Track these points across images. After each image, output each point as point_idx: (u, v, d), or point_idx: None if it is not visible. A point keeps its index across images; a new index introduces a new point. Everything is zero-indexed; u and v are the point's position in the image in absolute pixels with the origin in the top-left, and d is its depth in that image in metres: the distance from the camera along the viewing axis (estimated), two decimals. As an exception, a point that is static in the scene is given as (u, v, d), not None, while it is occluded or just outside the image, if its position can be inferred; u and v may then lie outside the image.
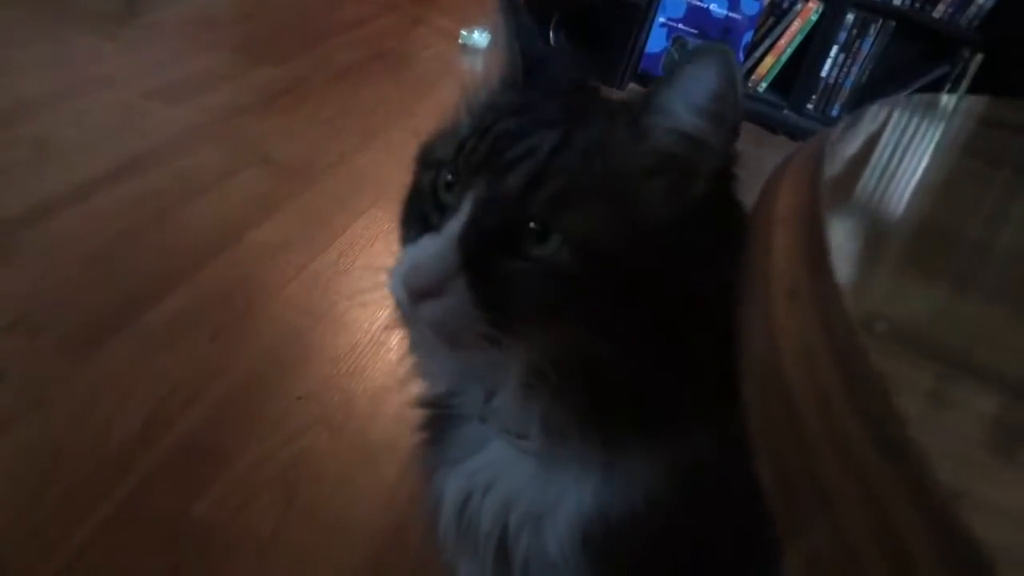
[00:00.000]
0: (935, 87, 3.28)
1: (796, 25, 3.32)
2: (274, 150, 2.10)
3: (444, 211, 0.59)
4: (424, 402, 0.74)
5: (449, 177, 0.61)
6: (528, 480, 0.65)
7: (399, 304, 0.59)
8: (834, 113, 3.43)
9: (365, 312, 1.61)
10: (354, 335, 1.55)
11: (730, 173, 0.60)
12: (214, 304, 1.53)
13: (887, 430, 0.20)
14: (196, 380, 1.35)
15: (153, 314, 1.46)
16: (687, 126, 0.56)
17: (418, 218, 0.62)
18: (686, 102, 0.55)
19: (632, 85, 3.37)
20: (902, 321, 0.26)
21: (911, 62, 3.39)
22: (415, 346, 0.68)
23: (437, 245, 0.56)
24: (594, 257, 0.54)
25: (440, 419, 0.73)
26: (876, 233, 0.32)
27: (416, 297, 0.56)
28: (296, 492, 1.22)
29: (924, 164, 0.42)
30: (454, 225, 0.56)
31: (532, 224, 0.55)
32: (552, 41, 3.16)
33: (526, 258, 0.55)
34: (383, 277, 0.62)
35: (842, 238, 0.29)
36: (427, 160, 0.65)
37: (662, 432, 0.60)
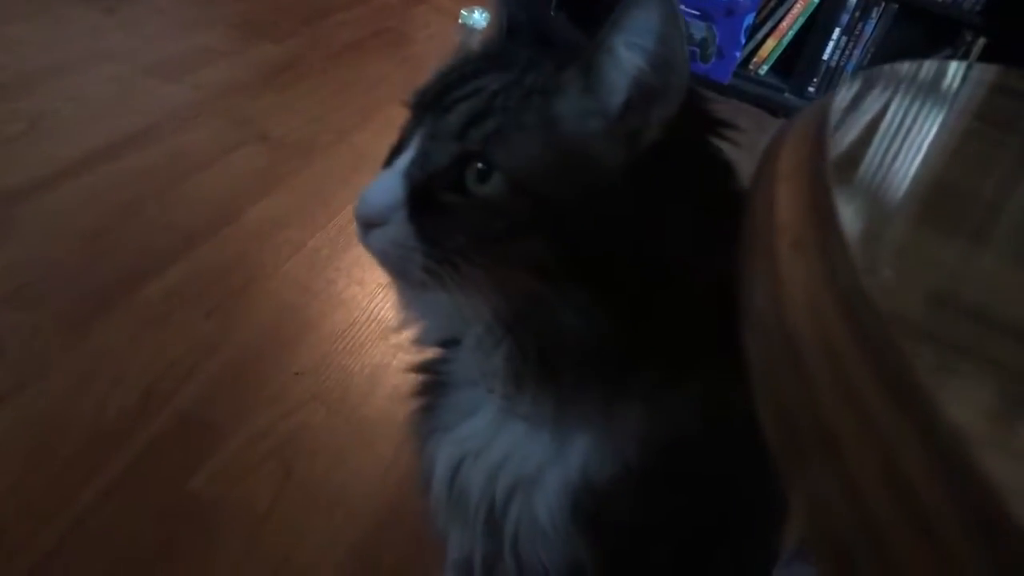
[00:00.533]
0: (937, 71, 3.26)
1: (798, 7, 3.30)
2: (273, 127, 2.08)
3: (402, 148, 0.62)
4: (419, 367, 0.73)
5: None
6: (515, 446, 0.65)
7: (357, 233, 0.61)
8: (836, 96, 3.41)
9: (363, 290, 1.60)
10: (352, 312, 1.55)
11: (698, 124, 0.60)
12: (212, 280, 1.52)
13: (895, 374, 0.20)
14: (193, 355, 1.35)
15: (151, 289, 1.45)
16: (631, 69, 0.56)
17: (388, 158, 0.65)
18: (630, 44, 0.56)
19: (633, 66, 3.36)
20: (907, 269, 0.25)
21: (913, 45, 3.37)
22: (398, 293, 0.70)
23: (385, 178, 0.59)
24: (531, 196, 0.56)
25: (434, 385, 0.73)
26: (881, 189, 0.31)
27: (365, 226, 0.59)
28: (292, 468, 1.22)
29: (931, 127, 0.42)
30: (402, 160, 0.59)
31: (478, 164, 0.57)
32: (553, 21, 3.13)
33: (466, 194, 0.57)
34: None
35: (847, 193, 0.28)
36: (408, 105, 0.66)
37: (634, 395, 0.60)
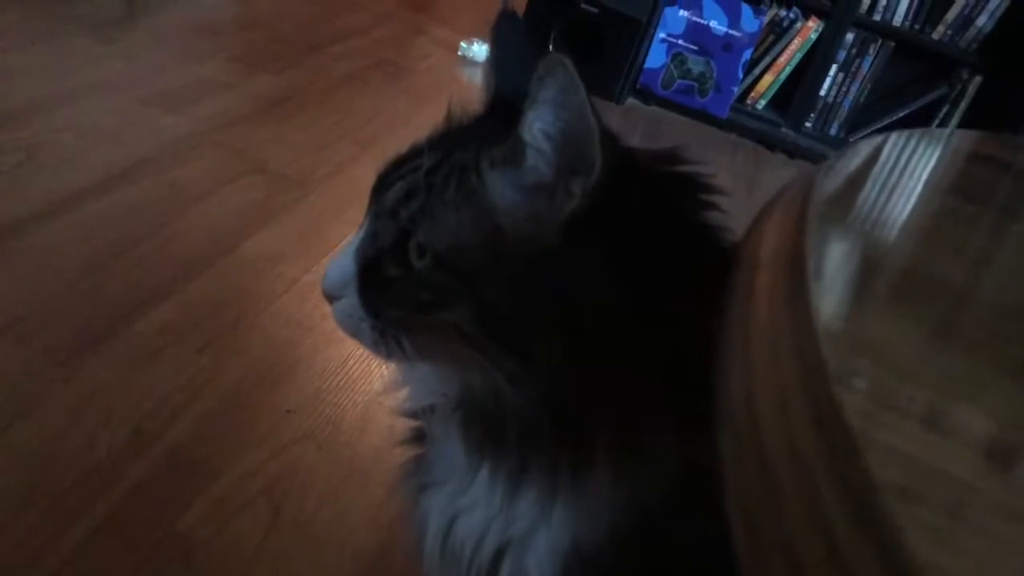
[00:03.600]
0: (933, 108, 3.29)
1: (796, 43, 3.33)
2: (271, 159, 2.09)
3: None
4: (406, 413, 0.73)
5: None
6: (504, 505, 0.65)
7: None
8: (832, 132, 3.44)
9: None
10: (346, 348, 1.54)
11: (646, 187, 0.60)
12: (205, 315, 1.52)
13: (859, 494, 0.20)
14: (184, 392, 1.34)
15: (143, 324, 1.45)
16: (542, 143, 0.57)
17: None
18: (538, 119, 0.57)
19: (631, 100, 3.38)
20: (881, 376, 0.25)
21: (910, 82, 3.40)
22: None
23: (342, 255, 0.64)
24: (451, 270, 0.59)
25: (424, 435, 0.72)
26: (860, 278, 0.31)
27: (328, 299, 0.65)
28: (282, 507, 1.21)
29: (912, 205, 0.42)
30: (355, 239, 0.64)
31: (417, 240, 0.60)
32: (552, 54, 3.15)
33: (407, 268, 0.61)
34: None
35: (825, 282, 0.28)
36: None
37: (599, 463, 0.60)
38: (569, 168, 0.57)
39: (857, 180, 0.37)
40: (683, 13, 3.29)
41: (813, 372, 0.23)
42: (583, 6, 3.10)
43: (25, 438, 1.18)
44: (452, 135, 0.68)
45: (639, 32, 3.15)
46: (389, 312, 0.62)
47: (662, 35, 3.32)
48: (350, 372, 1.50)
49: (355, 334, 0.64)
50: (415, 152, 0.65)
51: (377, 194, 0.65)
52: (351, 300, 0.63)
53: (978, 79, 3.24)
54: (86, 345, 1.37)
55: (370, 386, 1.47)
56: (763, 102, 3.44)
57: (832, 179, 0.37)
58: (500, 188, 0.60)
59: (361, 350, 1.55)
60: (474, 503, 0.66)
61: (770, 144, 3.34)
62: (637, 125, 3.23)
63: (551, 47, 3.14)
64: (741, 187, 2.83)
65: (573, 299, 0.56)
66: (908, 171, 0.45)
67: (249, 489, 1.22)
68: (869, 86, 3.38)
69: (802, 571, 0.20)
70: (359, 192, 2.03)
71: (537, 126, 0.57)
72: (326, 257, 1.77)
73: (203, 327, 1.49)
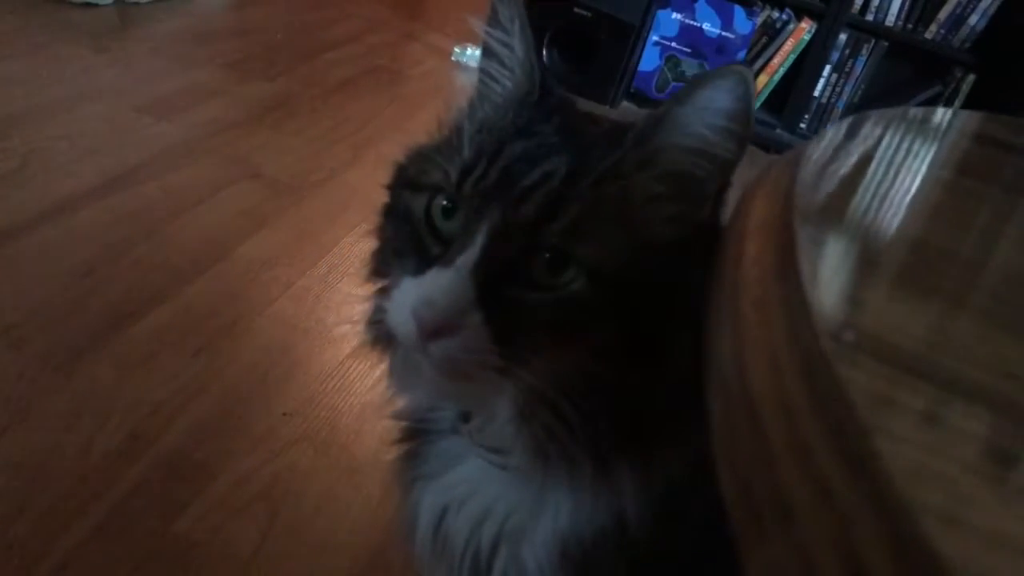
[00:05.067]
0: (928, 107, 3.29)
1: (789, 45, 3.33)
2: (264, 165, 2.09)
3: (444, 240, 0.57)
4: (402, 415, 0.73)
5: (445, 203, 0.58)
6: (503, 497, 0.64)
7: (404, 340, 0.57)
8: (826, 132, 3.44)
9: (353, 328, 1.60)
10: (341, 351, 1.54)
11: (722, 197, 0.59)
12: (200, 319, 1.52)
13: (849, 440, 0.19)
14: (180, 396, 1.34)
15: (138, 329, 1.45)
16: (702, 146, 0.55)
17: (412, 247, 0.59)
18: (702, 122, 0.54)
19: (625, 103, 3.38)
20: (870, 330, 0.25)
21: (904, 82, 3.41)
22: (398, 373, 0.67)
23: (450, 279, 0.53)
24: (609, 285, 0.53)
25: (417, 432, 0.72)
26: (848, 244, 0.31)
27: (429, 335, 0.54)
28: (279, 510, 1.21)
29: (909, 180, 0.42)
30: (467, 257, 0.54)
31: (547, 254, 0.54)
32: (545, 58, 3.17)
33: (542, 288, 0.54)
34: (361, 308, 0.62)
35: (813, 249, 0.28)
36: (414, 183, 0.62)
37: (637, 455, 0.59)
38: (714, 171, 0.56)
39: (842, 152, 0.37)
40: (676, 16, 3.29)
41: (802, 327, 0.23)
42: (576, 9, 3.11)
43: (20, 443, 1.18)
44: (533, 129, 0.60)
45: (632, 35, 3.16)
46: (529, 338, 0.54)
47: (655, 38, 3.32)
48: (346, 375, 1.49)
49: (465, 369, 0.55)
50: (527, 155, 0.57)
51: (490, 205, 0.55)
52: (474, 332, 0.54)
53: (972, 78, 3.24)
54: (81, 350, 1.36)
55: (365, 389, 1.47)
56: (757, 104, 3.44)
57: (819, 151, 0.37)
58: (650, 197, 0.56)
59: (356, 353, 1.55)
60: (472, 493, 0.66)
61: (765, 145, 3.34)
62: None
63: (545, 50, 3.15)
64: (736, 189, 2.82)
65: (676, 305, 0.53)
66: (900, 148, 0.45)
67: (246, 492, 1.22)
68: (863, 86, 3.39)
69: (793, 521, 0.19)
70: (353, 197, 2.04)
71: (697, 127, 0.54)
72: (321, 261, 1.77)
73: (198, 331, 1.49)
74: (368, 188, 2.19)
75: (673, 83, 3.36)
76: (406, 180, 0.64)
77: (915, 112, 0.51)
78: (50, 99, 2.10)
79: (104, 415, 1.26)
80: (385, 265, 0.65)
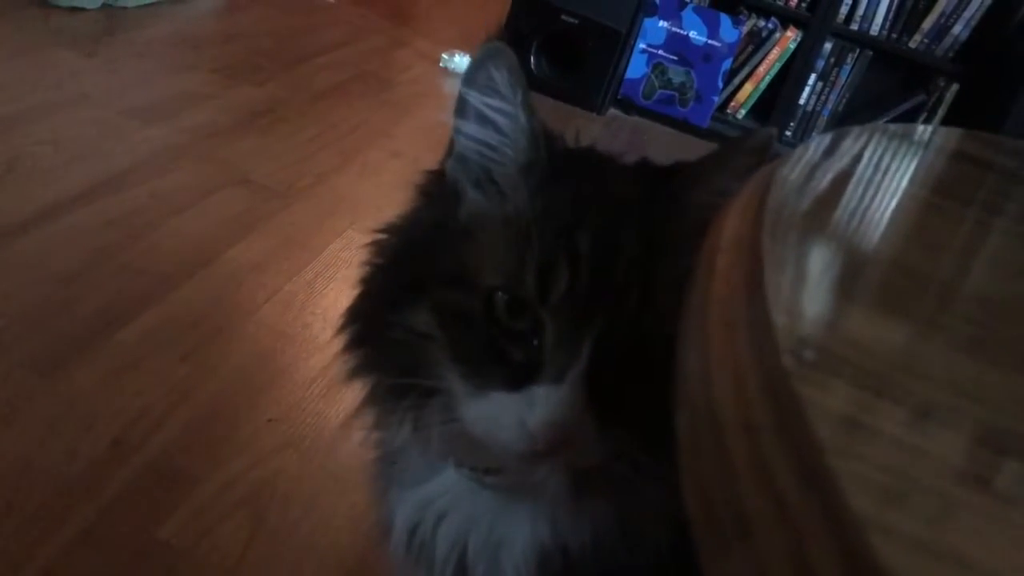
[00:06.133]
0: (912, 115, 3.32)
1: (775, 53, 3.36)
2: (252, 170, 2.09)
3: (521, 340, 0.55)
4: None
5: (504, 296, 0.56)
6: (485, 511, 0.64)
7: (511, 457, 0.56)
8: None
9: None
10: (327, 357, 1.54)
11: None
12: (186, 325, 1.52)
13: (805, 456, 0.20)
14: (165, 401, 1.34)
15: (124, 334, 1.45)
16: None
17: (484, 354, 0.56)
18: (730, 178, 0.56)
19: (612, 110, 3.40)
20: (831, 349, 0.26)
21: (888, 91, 3.43)
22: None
23: (567, 397, 0.53)
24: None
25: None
26: (817, 263, 0.32)
27: (551, 452, 0.53)
28: (264, 516, 1.21)
29: (878, 196, 0.43)
30: (577, 371, 0.53)
31: (649, 340, 0.53)
32: (533, 66, 3.18)
33: (648, 379, 0.52)
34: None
35: (780, 267, 0.29)
36: (451, 279, 0.58)
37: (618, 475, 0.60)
38: None
39: (816, 170, 0.38)
40: (663, 24, 3.31)
41: (765, 344, 0.24)
42: (564, 17, 3.12)
43: (4, 448, 1.18)
44: (598, 206, 0.58)
45: (619, 43, 3.17)
46: (646, 426, 0.53)
47: (642, 45, 3.34)
48: (332, 381, 1.49)
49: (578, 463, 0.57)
50: (605, 246, 0.55)
51: (592, 313, 0.53)
52: (590, 441, 0.54)
53: (955, 87, 3.27)
54: (67, 355, 1.36)
55: (350, 395, 1.46)
56: (744, 111, 3.46)
57: (793, 169, 0.38)
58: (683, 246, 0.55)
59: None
60: (450, 507, 0.66)
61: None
62: (619, 135, 3.25)
63: (532, 58, 3.16)
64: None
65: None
66: (867, 164, 0.46)
67: (231, 498, 1.22)
68: (848, 95, 3.42)
69: (752, 536, 0.20)
70: (341, 202, 2.04)
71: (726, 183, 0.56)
72: (308, 267, 1.78)
73: (185, 337, 1.49)
74: (355, 193, 2.21)
75: (660, 90, 3.37)
76: (430, 272, 0.60)
77: (894, 129, 0.52)
78: (36, 104, 2.09)
79: (89, 420, 1.26)
80: (413, 365, 0.61)
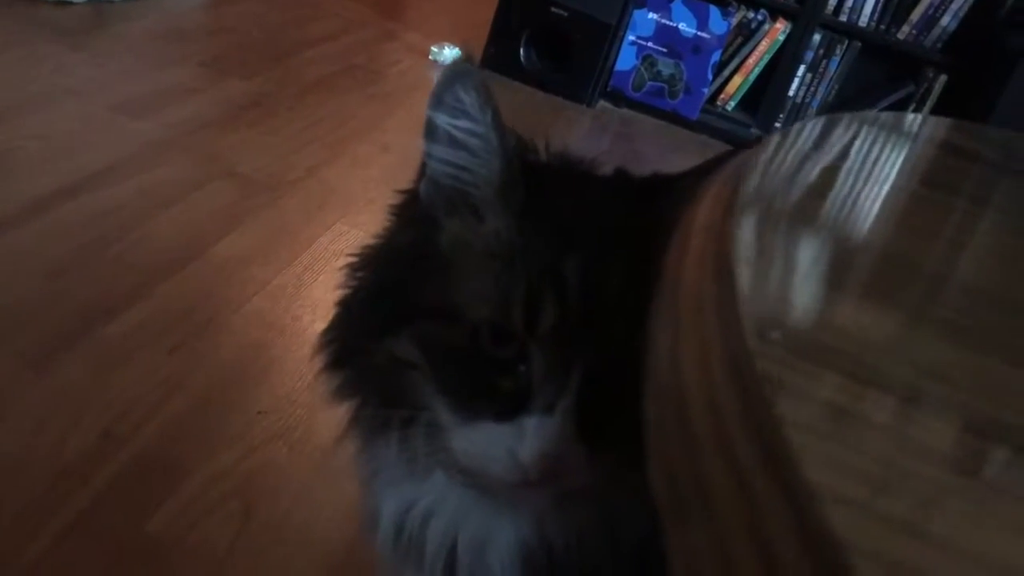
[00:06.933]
0: (900, 106, 3.34)
1: (764, 45, 3.36)
2: (240, 163, 2.09)
3: (507, 368, 0.55)
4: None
5: (493, 330, 0.55)
6: (473, 509, 0.64)
7: (500, 485, 0.56)
8: (801, 132, 3.47)
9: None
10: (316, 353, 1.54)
11: None
12: (175, 318, 1.52)
13: (765, 433, 0.21)
14: (154, 394, 1.34)
15: (113, 326, 1.45)
16: None
17: (470, 385, 0.56)
18: None
19: (602, 102, 3.40)
20: (796, 329, 0.26)
21: (877, 82, 3.44)
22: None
23: (557, 429, 0.52)
24: None
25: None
26: (788, 247, 0.32)
27: (541, 482, 0.53)
28: (253, 508, 1.21)
29: (856, 183, 0.43)
30: (566, 401, 0.52)
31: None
32: (523, 58, 3.18)
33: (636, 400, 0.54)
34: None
35: (749, 250, 0.29)
36: (434, 312, 0.58)
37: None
38: None
39: (797, 157, 0.38)
40: (652, 15, 3.31)
41: (731, 325, 0.24)
42: (554, 9, 3.12)
43: (-7, 441, 1.18)
44: (578, 228, 0.57)
45: (609, 35, 3.17)
46: (632, 447, 0.54)
47: (632, 37, 3.34)
48: (321, 376, 1.49)
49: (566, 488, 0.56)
50: (588, 276, 0.54)
51: (579, 347, 0.53)
52: (580, 469, 0.53)
53: (943, 78, 3.28)
54: (55, 348, 1.36)
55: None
56: (733, 103, 3.47)
57: (771, 154, 0.38)
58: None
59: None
60: (436, 505, 0.66)
61: (741, 145, 3.35)
62: (608, 128, 3.25)
63: (522, 50, 3.16)
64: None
65: None
66: (846, 152, 0.46)
67: (220, 490, 1.22)
68: (837, 86, 3.42)
69: (713, 509, 0.21)
70: (330, 195, 2.04)
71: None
72: (297, 260, 1.78)
73: (173, 330, 1.49)
74: (345, 186, 2.21)
75: (649, 82, 3.38)
76: (412, 303, 0.60)
77: (875, 116, 0.52)
78: (23, 98, 2.08)
79: (78, 413, 1.26)
80: (398, 394, 0.60)
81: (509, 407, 0.54)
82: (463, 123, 0.58)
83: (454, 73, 0.58)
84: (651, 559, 0.61)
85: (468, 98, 0.57)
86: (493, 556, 0.64)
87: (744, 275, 0.27)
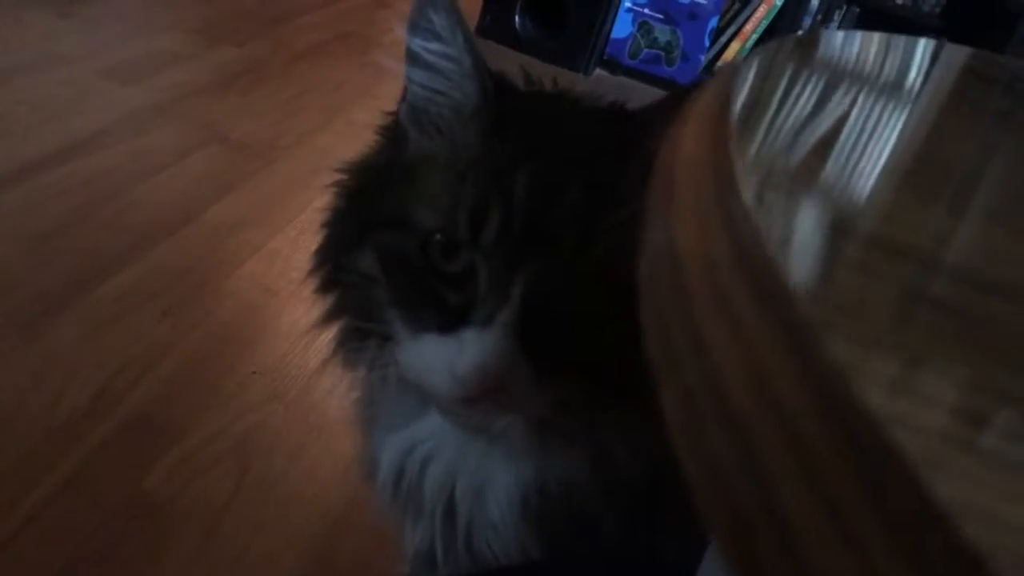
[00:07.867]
0: (898, 72, 3.32)
1: (762, 11, 3.34)
2: (233, 129, 2.07)
3: (455, 283, 0.55)
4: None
5: (444, 242, 0.55)
6: (470, 454, 0.64)
7: (442, 400, 0.56)
8: (798, 98, 3.45)
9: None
10: (312, 311, 1.53)
11: None
12: (168, 281, 1.51)
13: (762, 278, 0.20)
14: (147, 355, 1.33)
15: (104, 289, 1.44)
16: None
17: (418, 297, 0.56)
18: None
19: (598, 70, 3.37)
20: (796, 190, 0.25)
21: (874, 48, 3.42)
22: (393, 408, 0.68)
23: (496, 341, 0.51)
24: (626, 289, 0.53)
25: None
26: (788, 125, 0.31)
27: (479, 397, 0.53)
28: (249, 466, 1.21)
29: (836, 95, 0.42)
30: (507, 314, 0.52)
31: (588, 281, 0.52)
32: (518, 27, 3.15)
33: (594, 332, 0.53)
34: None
35: (755, 127, 0.29)
36: (393, 221, 0.58)
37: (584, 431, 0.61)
38: None
39: (771, 78, 0.37)
40: (648, -18, 3.29)
41: (727, 188, 0.23)
42: (548, -24, 3.09)
43: (-15, 401, 1.17)
44: (541, 148, 0.56)
45: (605, 2, 3.15)
46: (585, 371, 0.54)
47: (628, 4, 3.31)
48: (316, 335, 1.49)
49: (506, 415, 0.59)
50: (543, 191, 0.53)
51: (522, 257, 0.52)
52: (520, 382, 0.53)
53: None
54: (47, 310, 1.35)
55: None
56: (730, 70, 3.45)
57: (754, 79, 0.37)
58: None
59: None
60: (435, 449, 0.65)
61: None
62: (605, 96, 3.23)
63: (518, 18, 3.14)
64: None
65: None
66: (831, 70, 0.45)
67: (216, 449, 1.22)
68: (834, 52, 3.41)
69: (708, 354, 0.20)
70: (324, 160, 2.00)
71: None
72: (290, 224, 1.76)
73: (167, 292, 1.48)
74: (338, 152, 2.16)
75: (646, 49, 3.35)
76: (375, 215, 0.60)
77: (854, 35, 0.51)
78: (11, 64, 2.06)
79: (71, 373, 1.25)
80: (367, 308, 0.61)
81: (452, 320, 0.54)
82: (435, 46, 0.58)
83: None
84: (643, 504, 0.62)
85: (439, 19, 0.58)
86: (491, 501, 0.64)
87: (746, 142, 0.26)
